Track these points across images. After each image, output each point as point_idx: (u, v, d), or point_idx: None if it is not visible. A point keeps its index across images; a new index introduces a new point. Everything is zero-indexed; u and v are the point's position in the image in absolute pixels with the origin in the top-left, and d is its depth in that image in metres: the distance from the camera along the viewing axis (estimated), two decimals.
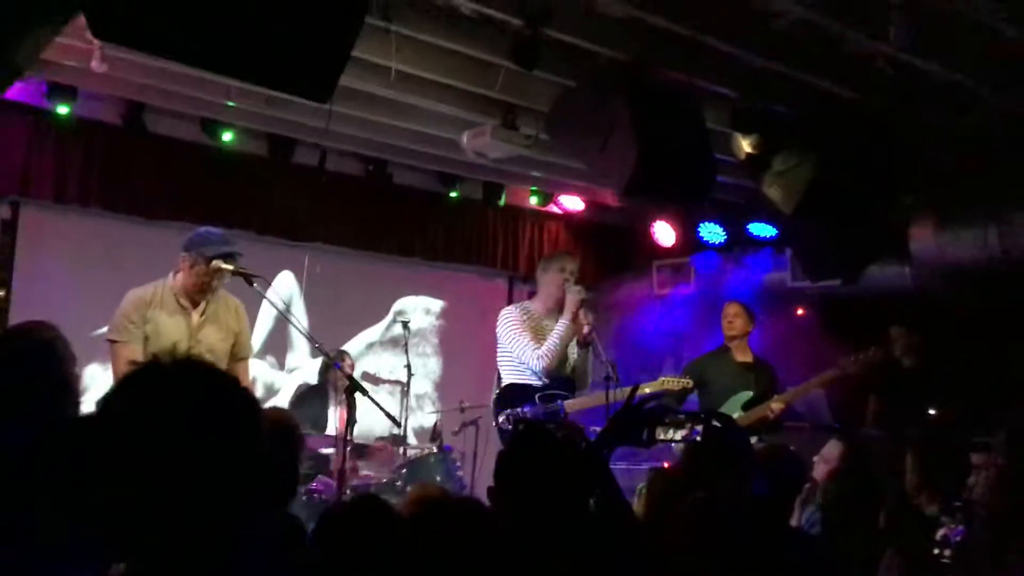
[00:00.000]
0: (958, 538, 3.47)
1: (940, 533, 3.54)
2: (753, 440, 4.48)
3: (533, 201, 8.18)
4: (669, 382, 5.73)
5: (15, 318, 5.94)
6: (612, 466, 2.74)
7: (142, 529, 1.21)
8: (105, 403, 1.29)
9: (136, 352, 4.53)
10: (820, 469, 4.83)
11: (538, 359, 5.36)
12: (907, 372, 6.43)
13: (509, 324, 5.51)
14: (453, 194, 7.77)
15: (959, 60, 4.90)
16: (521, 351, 5.40)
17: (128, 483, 1.21)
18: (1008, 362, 6.15)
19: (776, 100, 5.24)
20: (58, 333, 3.05)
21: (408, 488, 5.62)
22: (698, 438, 3.02)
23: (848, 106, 5.28)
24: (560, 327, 5.40)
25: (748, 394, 5.90)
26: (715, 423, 3.12)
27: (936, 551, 3.60)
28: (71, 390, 3.00)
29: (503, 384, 5.58)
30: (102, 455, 1.24)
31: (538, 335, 5.48)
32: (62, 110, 5.86)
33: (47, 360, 2.93)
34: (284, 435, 2.84)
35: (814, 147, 5.25)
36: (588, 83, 5.00)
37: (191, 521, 1.21)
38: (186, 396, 1.27)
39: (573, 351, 5.58)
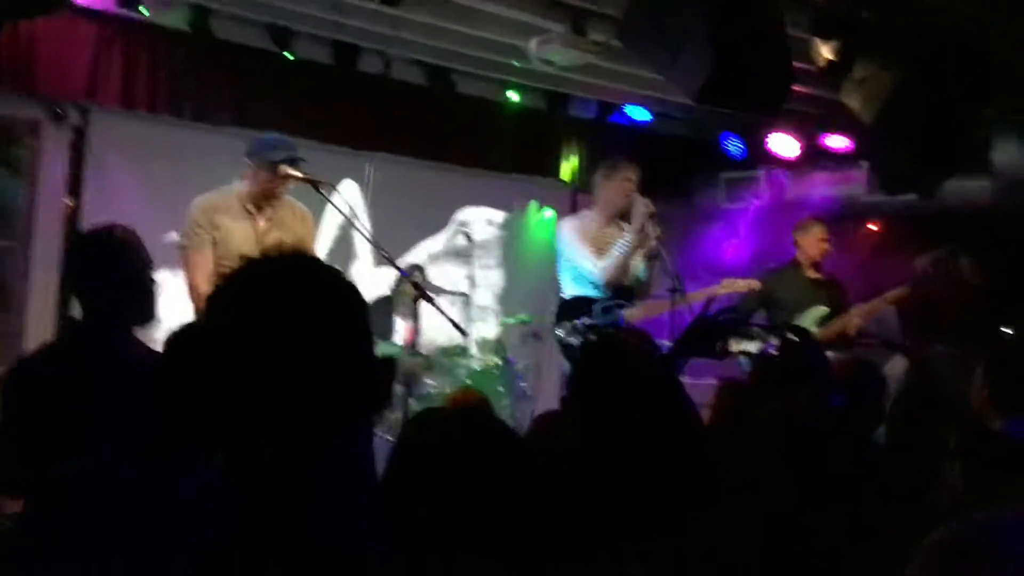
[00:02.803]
0: None
1: None
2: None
3: (598, 111, 8.03)
4: (733, 284, 5.67)
5: (87, 223, 6.03)
6: None
7: (249, 428, 1.19)
8: (215, 297, 1.25)
9: (206, 257, 4.58)
10: None
11: (600, 271, 5.30)
12: (979, 290, 6.27)
13: (570, 235, 5.45)
14: (517, 104, 7.64)
15: None
16: (582, 262, 5.34)
17: (243, 380, 1.19)
18: None
19: (860, 4, 5.01)
20: (134, 235, 3.07)
21: None
22: (772, 351, 2.97)
23: (934, 12, 5.04)
24: (625, 239, 5.32)
25: (823, 309, 5.80)
26: (792, 336, 3.05)
27: None
28: (147, 291, 3.03)
29: (563, 296, 5.55)
30: (214, 351, 1.21)
31: (599, 245, 5.41)
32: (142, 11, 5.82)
33: (123, 261, 2.95)
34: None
35: (898, 54, 5.03)
36: None
37: (292, 417, 1.19)
38: (298, 288, 1.23)
39: (637, 262, 5.52)
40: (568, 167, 8.05)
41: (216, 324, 1.23)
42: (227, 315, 1.23)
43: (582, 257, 5.35)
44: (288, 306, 1.21)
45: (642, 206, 5.31)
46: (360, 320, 1.26)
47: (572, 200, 8.34)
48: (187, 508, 1.86)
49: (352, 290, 1.28)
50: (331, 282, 1.27)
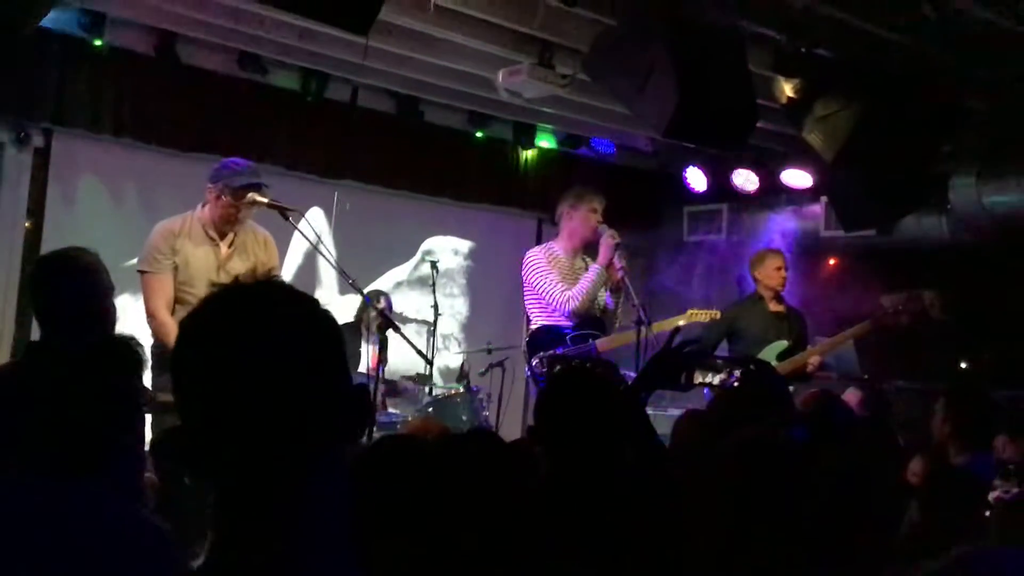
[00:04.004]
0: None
1: (993, 495, 3.48)
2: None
3: (564, 144, 8.09)
4: (697, 314, 5.71)
5: (48, 246, 5.95)
6: None
7: (218, 451, 1.18)
8: (188, 324, 1.24)
9: (166, 282, 4.56)
10: None
11: (568, 301, 5.32)
12: (939, 325, 6.37)
13: (536, 266, 5.47)
14: (484, 134, 7.69)
15: (1008, 6, 4.76)
16: (550, 292, 5.36)
17: (216, 409, 1.18)
18: None
19: (821, 43, 5.11)
20: (95, 259, 3.04)
21: None
22: (735, 383, 3.00)
23: (894, 51, 5.15)
24: (593, 271, 5.36)
25: (783, 344, 5.86)
26: (753, 369, 3.09)
27: (987, 513, 3.54)
28: (105, 315, 2.99)
29: (533, 327, 5.56)
30: (184, 373, 1.20)
31: (565, 276, 5.44)
32: (97, 41, 5.81)
33: (82, 284, 2.92)
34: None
35: (858, 93, 5.14)
36: (629, 21, 4.89)
37: (269, 444, 1.18)
38: (274, 316, 1.23)
39: (603, 293, 5.56)
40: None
41: (189, 351, 1.22)
42: (200, 342, 1.22)
43: (550, 287, 5.37)
44: (263, 334, 1.20)
45: (609, 237, 5.35)
46: (336, 348, 1.26)
47: (538, 230, 8.39)
48: (78, 524, 1.83)
49: (328, 318, 1.28)
50: (306, 310, 1.26)
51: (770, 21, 5.09)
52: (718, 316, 5.74)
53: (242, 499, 1.19)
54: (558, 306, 5.34)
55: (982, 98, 5.82)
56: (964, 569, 1.21)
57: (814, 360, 5.83)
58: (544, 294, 5.39)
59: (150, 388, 3.33)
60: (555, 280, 5.37)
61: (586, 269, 5.57)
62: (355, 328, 6.63)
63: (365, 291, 5.77)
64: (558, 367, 4.49)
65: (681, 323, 5.27)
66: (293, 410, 1.18)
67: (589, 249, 5.60)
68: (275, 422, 1.17)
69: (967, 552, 1.25)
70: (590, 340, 5.32)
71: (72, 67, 5.92)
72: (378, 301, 6.04)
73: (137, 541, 1.76)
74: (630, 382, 3.05)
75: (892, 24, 4.95)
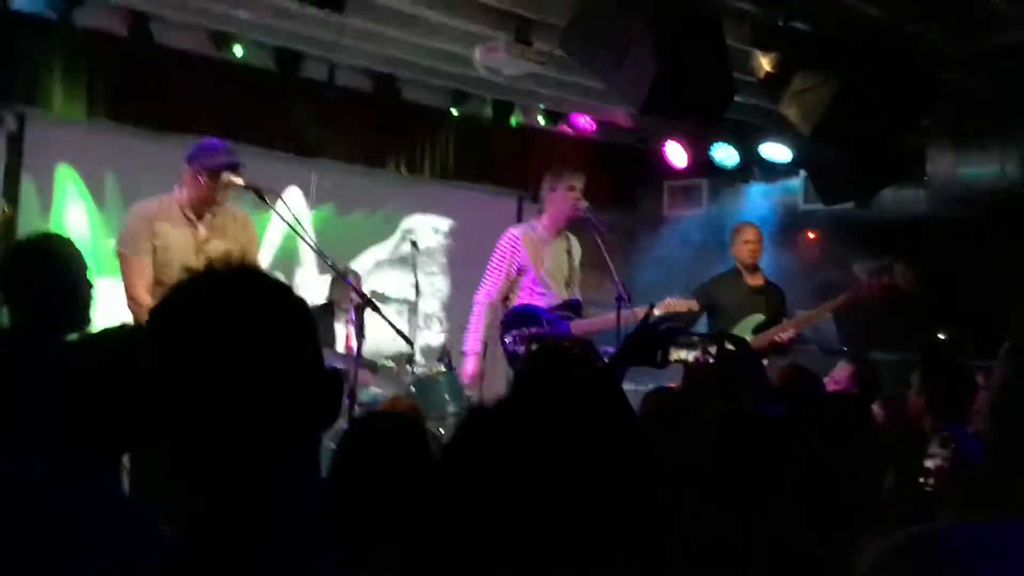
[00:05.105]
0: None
1: (934, 463, 3.49)
2: (764, 363, 4.47)
3: (543, 120, 8.07)
4: (674, 304, 5.69)
5: (24, 230, 5.91)
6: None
7: (195, 445, 1.17)
8: (158, 311, 1.23)
9: (145, 264, 4.53)
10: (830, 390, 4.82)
11: (479, 300, 5.43)
12: (916, 296, 6.40)
13: (497, 250, 5.51)
14: (462, 112, 7.66)
15: None
16: (483, 281, 5.44)
17: (188, 397, 1.16)
18: (1021, 287, 6.12)
19: (798, 17, 5.11)
20: (66, 242, 3.02)
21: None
22: (711, 359, 3.01)
23: (871, 24, 5.15)
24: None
25: (759, 317, 5.87)
26: (728, 345, 3.10)
27: (921, 480, 3.56)
28: (78, 298, 2.97)
29: (510, 306, 5.57)
30: (160, 363, 1.20)
31: (540, 257, 5.45)
32: (69, 23, 5.74)
33: (53, 268, 2.90)
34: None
35: (835, 66, 5.14)
36: None
37: (241, 432, 1.17)
38: (246, 302, 1.21)
39: (578, 274, 5.58)
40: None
41: (160, 339, 1.21)
42: (172, 330, 1.20)
43: (486, 278, 5.45)
44: (235, 321, 1.19)
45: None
46: (308, 334, 1.25)
47: (518, 208, 8.38)
48: (97, 517, 1.84)
49: (299, 304, 1.27)
50: (278, 296, 1.25)
51: None
52: (696, 308, 5.69)
53: (216, 486, 1.18)
54: (477, 294, 5.43)
55: (959, 71, 5.84)
56: (919, 547, 1.21)
57: (787, 334, 5.83)
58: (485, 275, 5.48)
59: None
60: (498, 275, 5.43)
61: (568, 249, 5.58)
62: (328, 308, 6.62)
63: (342, 268, 5.77)
64: (535, 346, 4.50)
65: (657, 312, 5.24)
66: (265, 397, 1.17)
67: (573, 226, 5.62)
68: (247, 410, 1.16)
69: (923, 530, 1.25)
70: (564, 321, 5.34)
71: (44, 49, 5.85)
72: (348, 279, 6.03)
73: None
74: (607, 359, 3.06)
75: None
